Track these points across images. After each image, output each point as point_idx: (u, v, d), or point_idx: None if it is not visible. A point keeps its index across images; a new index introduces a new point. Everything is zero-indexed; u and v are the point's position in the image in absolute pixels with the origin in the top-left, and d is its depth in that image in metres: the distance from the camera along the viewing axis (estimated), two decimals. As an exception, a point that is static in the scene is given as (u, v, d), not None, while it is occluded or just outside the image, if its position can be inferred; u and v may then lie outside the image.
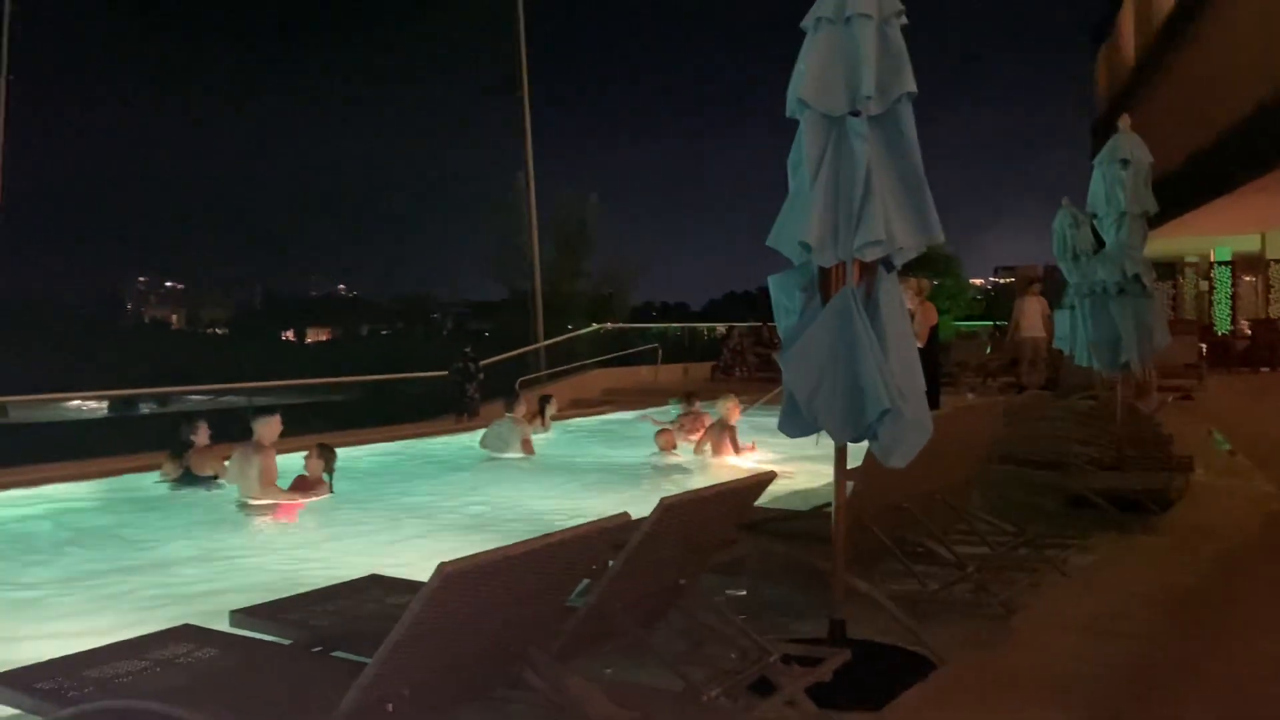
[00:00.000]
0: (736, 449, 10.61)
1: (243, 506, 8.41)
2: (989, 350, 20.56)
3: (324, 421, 9.08)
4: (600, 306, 32.99)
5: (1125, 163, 7.92)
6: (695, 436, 11.52)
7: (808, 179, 3.87)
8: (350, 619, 3.72)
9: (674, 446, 11.23)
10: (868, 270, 3.94)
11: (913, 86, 3.88)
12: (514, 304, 29.43)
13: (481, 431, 11.84)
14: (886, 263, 3.94)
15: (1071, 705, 3.78)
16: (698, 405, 12.79)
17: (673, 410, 13.97)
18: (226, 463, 8.95)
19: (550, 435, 12.67)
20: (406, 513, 8.40)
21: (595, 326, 27.41)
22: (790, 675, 3.36)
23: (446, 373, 15.57)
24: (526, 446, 11.24)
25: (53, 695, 2.97)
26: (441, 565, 2.34)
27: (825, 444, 4.11)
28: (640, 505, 3.38)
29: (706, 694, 3.08)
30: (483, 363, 15.88)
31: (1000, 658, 4.27)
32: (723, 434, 10.66)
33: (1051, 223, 9.04)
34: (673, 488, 7.95)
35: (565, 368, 20.98)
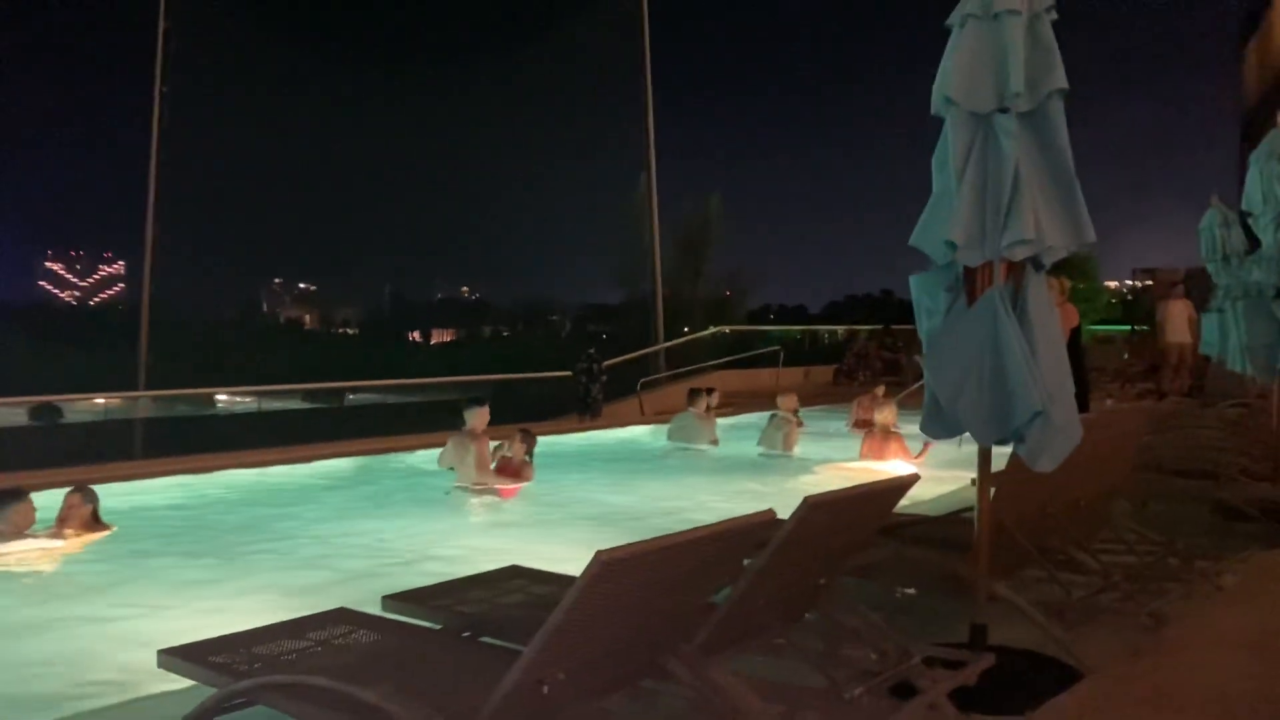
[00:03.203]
0: (897, 453, 10.51)
1: (457, 491, 8.73)
2: (1125, 355, 19.79)
3: (454, 419, 9.33)
4: (719, 309, 32.94)
5: (1284, 159, 7.52)
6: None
7: (954, 177, 3.82)
8: (497, 606, 3.84)
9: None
10: (1015, 269, 3.85)
11: (1064, 83, 3.78)
12: (632, 306, 29.67)
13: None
14: (1035, 261, 3.85)
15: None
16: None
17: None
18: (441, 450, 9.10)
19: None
20: (551, 506, 8.61)
21: (715, 329, 27.36)
22: (932, 678, 3.31)
23: (570, 373, 15.82)
24: (714, 441, 12.36)
25: (224, 669, 3.15)
26: (599, 553, 2.40)
27: (968, 446, 4.04)
28: (773, 502, 3.40)
29: (849, 693, 3.07)
30: (605, 364, 16.08)
31: (1153, 671, 4.11)
32: (886, 440, 10.61)
33: (1197, 224, 8.67)
34: (813, 488, 7.97)
35: (685, 369, 21.03)
